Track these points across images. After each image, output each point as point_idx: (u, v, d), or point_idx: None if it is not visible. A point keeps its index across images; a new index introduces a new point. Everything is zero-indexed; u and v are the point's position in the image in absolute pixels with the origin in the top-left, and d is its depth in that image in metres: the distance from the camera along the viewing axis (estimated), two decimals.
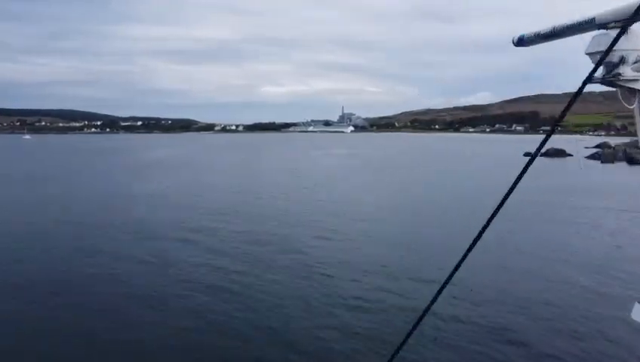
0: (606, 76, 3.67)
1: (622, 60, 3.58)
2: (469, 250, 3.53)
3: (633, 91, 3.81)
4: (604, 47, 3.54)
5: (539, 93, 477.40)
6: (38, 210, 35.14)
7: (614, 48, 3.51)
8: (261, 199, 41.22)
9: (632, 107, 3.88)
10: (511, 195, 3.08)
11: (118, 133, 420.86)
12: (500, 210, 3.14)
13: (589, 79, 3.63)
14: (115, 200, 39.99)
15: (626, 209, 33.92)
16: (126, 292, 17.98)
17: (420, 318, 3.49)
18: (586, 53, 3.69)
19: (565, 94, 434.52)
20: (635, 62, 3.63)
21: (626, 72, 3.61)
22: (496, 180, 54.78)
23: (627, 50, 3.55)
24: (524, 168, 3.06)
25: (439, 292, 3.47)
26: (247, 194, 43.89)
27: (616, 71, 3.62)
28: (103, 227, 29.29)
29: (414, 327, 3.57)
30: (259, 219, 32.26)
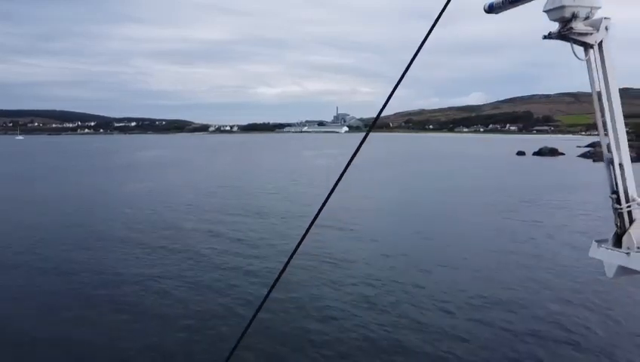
0: (561, 30, 4.14)
1: (574, 16, 4.00)
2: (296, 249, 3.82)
3: (585, 45, 4.17)
4: (558, 4, 4.01)
5: (532, 93, 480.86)
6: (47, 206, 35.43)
7: (567, 4, 3.98)
8: (260, 196, 41.47)
9: (584, 60, 4.23)
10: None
11: (112, 133, 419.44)
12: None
13: (549, 35, 4.15)
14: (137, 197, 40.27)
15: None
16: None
17: (254, 316, 3.71)
18: (544, 11, 4.12)
19: (558, 95, 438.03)
20: (586, 18, 4.07)
21: (578, 26, 4.06)
22: (495, 178, 55.43)
23: (578, 6, 3.99)
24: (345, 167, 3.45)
25: (272, 287, 3.71)
26: (248, 192, 44.09)
27: (569, 25, 4.06)
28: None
29: (249, 325, 3.78)
30: (258, 213, 33.22)
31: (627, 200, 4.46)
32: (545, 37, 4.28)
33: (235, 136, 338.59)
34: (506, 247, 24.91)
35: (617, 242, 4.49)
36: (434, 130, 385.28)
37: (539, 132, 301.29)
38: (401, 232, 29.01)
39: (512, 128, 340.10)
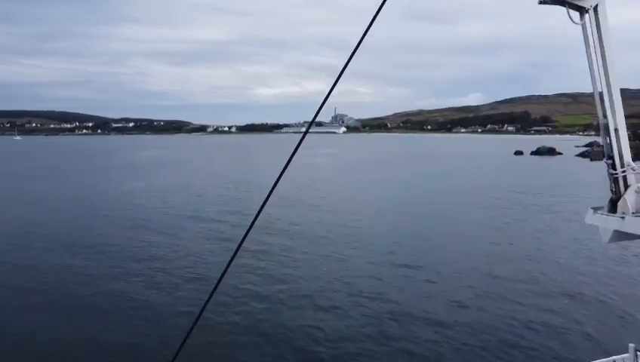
0: None
1: None
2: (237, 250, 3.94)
3: (581, 9, 4.18)
4: None
5: (530, 94, 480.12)
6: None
7: None
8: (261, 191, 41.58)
9: (579, 24, 4.16)
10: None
11: (109, 134, 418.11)
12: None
13: None
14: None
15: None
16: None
17: (199, 314, 3.83)
18: None
19: (556, 95, 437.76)
20: None
21: None
22: (493, 177, 55.54)
23: None
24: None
25: (216, 286, 3.84)
26: (248, 189, 44.10)
27: None
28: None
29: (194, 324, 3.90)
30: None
31: (622, 166, 4.42)
32: (540, 2, 4.27)
33: (233, 137, 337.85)
34: (506, 241, 25.14)
35: (613, 208, 4.48)
36: (432, 130, 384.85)
37: (537, 132, 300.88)
38: (401, 230, 29.05)
39: (510, 128, 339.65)
